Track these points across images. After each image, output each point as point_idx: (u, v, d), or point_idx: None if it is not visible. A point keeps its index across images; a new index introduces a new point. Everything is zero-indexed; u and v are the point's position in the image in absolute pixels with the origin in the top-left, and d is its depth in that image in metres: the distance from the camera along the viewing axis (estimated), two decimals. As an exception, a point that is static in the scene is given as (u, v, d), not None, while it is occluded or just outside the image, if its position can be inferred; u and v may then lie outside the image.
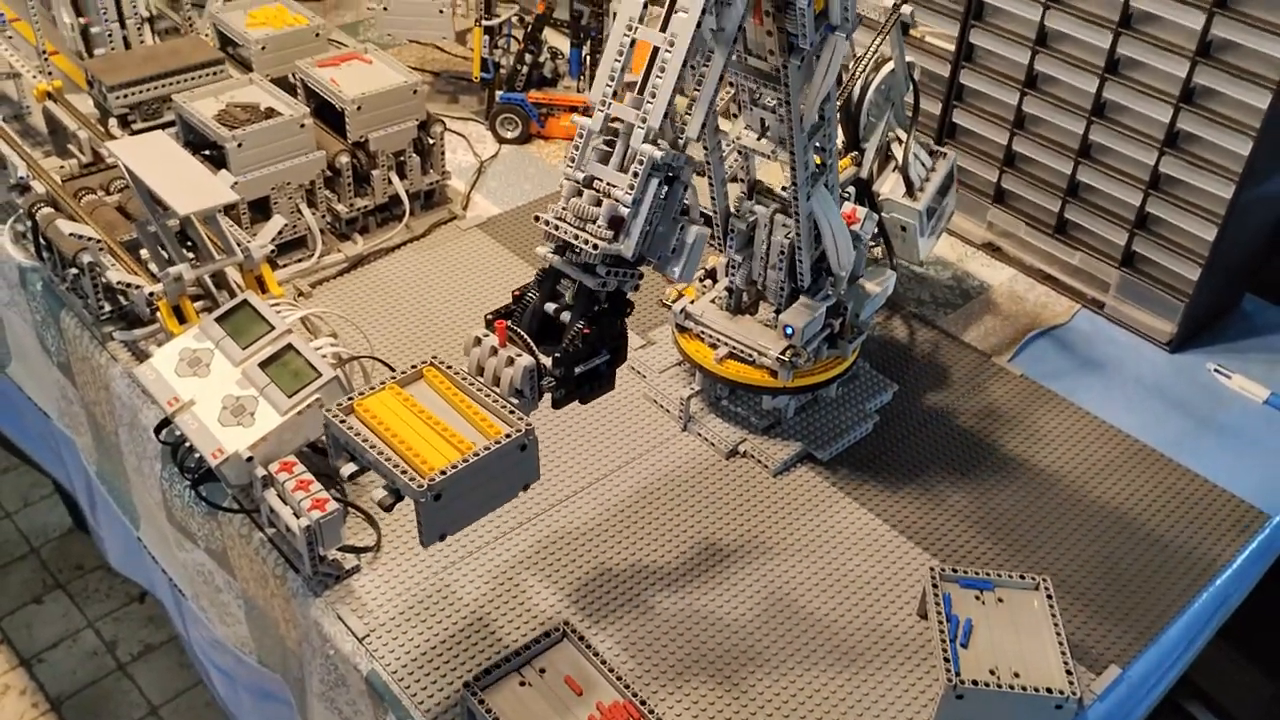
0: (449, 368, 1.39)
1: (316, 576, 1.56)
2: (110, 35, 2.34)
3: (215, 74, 2.20)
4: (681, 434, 1.85)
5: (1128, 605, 1.61)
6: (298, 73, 2.19)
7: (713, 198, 1.77)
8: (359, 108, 2.09)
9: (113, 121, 2.16)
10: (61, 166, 2.13)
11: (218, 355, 1.65)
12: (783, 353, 1.73)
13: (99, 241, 1.86)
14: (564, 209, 1.36)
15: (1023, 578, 1.55)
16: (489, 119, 2.54)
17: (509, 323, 1.37)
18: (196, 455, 1.60)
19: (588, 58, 2.51)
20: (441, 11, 2.49)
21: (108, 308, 1.89)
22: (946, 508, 1.75)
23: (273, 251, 1.84)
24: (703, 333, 1.82)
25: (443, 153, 2.25)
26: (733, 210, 1.77)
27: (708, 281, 1.88)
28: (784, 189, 1.71)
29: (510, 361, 1.35)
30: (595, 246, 1.32)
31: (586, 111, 2.42)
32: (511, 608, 1.57)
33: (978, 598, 1.53)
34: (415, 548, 1.63)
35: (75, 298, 1.94)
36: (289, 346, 1.63)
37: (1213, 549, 1.70)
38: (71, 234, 1.85)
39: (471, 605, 1.56)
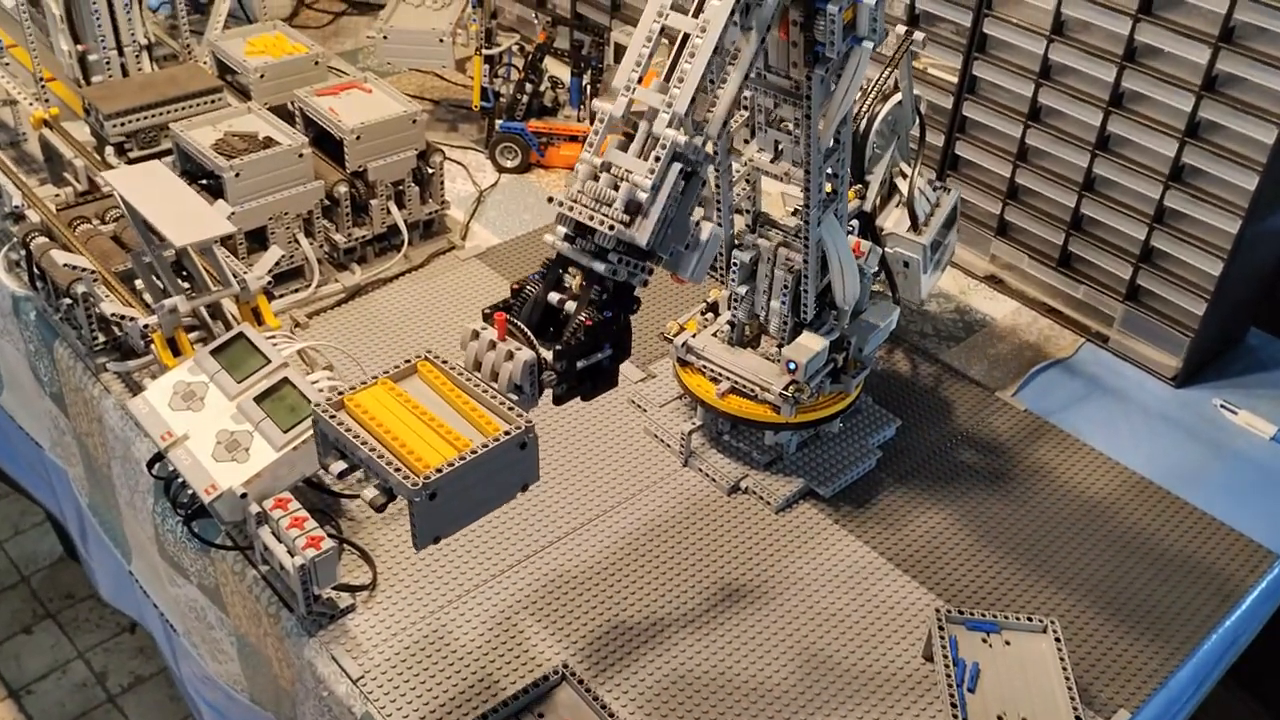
0: (444, 362, 1.33)
1: (311, 616, 1.53)
2: (108, 63, 2.33)
3: (213, 102, 2.19)
4: (683, 469, 1.82)
5: (1136, 647, 1.59)
6: (296, 101, 2.18)
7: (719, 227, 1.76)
8: (358, 137, 2.08)
9: (109, 149, 2.14)
10: (57, 195, 2.12)
11: (212, 389, 1.63)
12: (785, 388, 1.71)
13: (93, 272, 1.84)
14: (579, 191, 1.31)
15: (1030, 619, 1.52)
16: (489, 148, 2.53)
17: (508, 315, 1.31)
18: (189, 491, 1.57)
19: (588, 87, 2.50)
20: (441, 40, 2.48)
21: (101, 339, 1.87)
22: (951, 545, 1.72)
23: (269, 283, 1.82)
24: (704, 367, 1.80)
25: (442, 182, 2.23)
26: (735, 242, 1.75)
27: (709, 315, 1.87)
28: (794, 212, 1.70)
29: (510, 356, 1.30)
30: (611, 227, 1.28)
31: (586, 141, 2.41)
32: (510, 649, 1.54)
33: (984, 640, 1.50)
34: (412, 587, 1.60)
35: (69, 328, 1.91)
36: (285, 380, 1.61)
37: (1222, 589, 1.68)
38: (66, 264, 1.83)
39: (469, 646, 1.53)
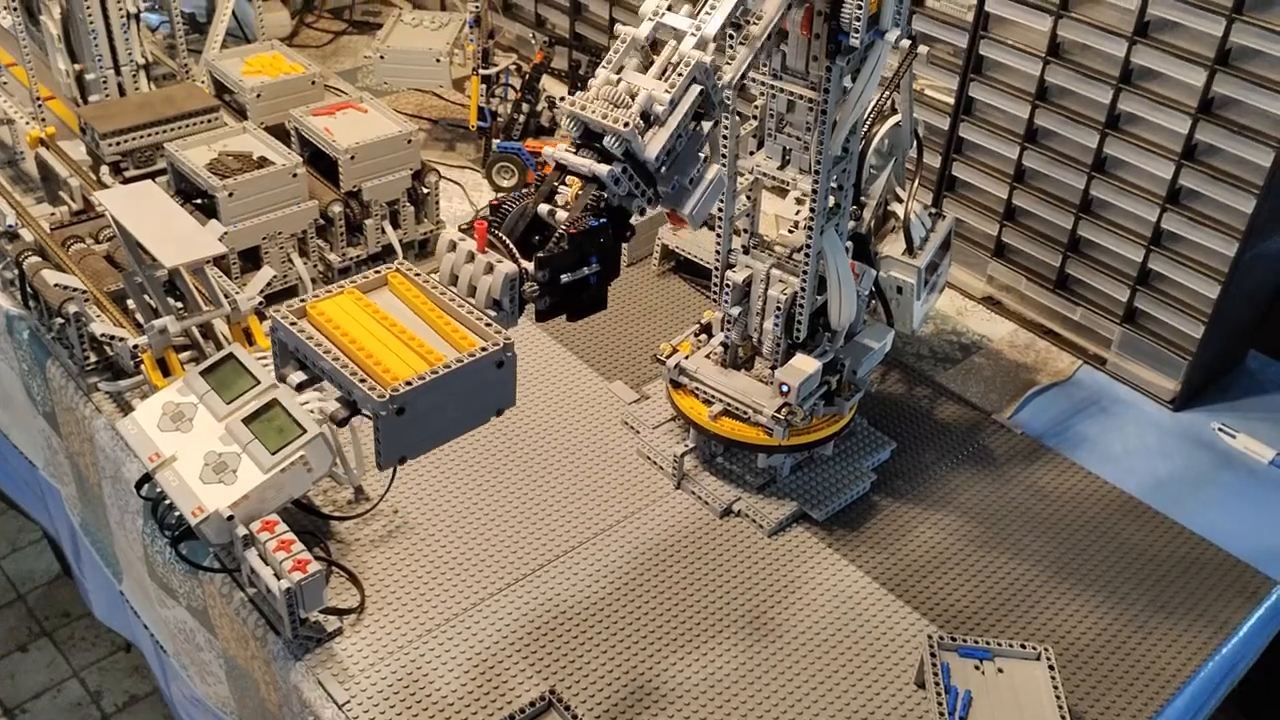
0: (418, 274, 1.24)
1: (297, 639, 1.52)
2: (105, 82, 2.33)
3: (209, 121, 2.19)
4: (675, 492, 1.81)
5: (1132, 675, 1.57)
6: (292, 121, 2.18)
7: (717, 249, 1.75)
8: (352, 157, 2.08)
9: (105, 168, 2.14)
10: (52, 214, 2.11)
11: (201, 410, 1.62)
12: (778, 410, 1.70)
13: (84, 292, 1.84)
14: (594, 96, 1.27)
15: (1023, 646, 1.51)
16: (485, 167, 2.52)
17: (489, 226, 1.24)
18: (176, 512, 1.56)
19: (585, 107, 2.49)
20: (438, 60, 2.49)
21: (93, 358, 1.86)
22: (945, 570, 1.70)
23: (261, 303, 1.82)
24: (697, 389, 1.79)
25: (437, 202, 2.23)
26: (729, 263, 1.75)
27: (703, 336, 1.86)
28: (792, 229, 1.70)
29: (489, 269, 1.22)
30: (625, 124, 1.24)
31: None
32: (498, 673, 1.52)
33: (977, 668, 1.49)
34: (401, 610, 1.59)
35: (61, 348, 1.91)
36: (274, 402, 1.60)
37: (1219, 615, 1.66)
38: (57, 284, 1.83)
39: (457, 671, 1.52)
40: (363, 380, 1.11)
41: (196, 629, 1.75)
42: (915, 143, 1.87)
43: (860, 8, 1.42)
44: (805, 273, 1.66)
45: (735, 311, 1.75)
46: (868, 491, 1.82)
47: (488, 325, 1.19)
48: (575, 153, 1.28)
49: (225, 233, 1.86)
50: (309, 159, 2.13)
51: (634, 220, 1.32)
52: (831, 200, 1.64)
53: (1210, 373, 2.07)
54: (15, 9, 2.30)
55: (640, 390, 1.99)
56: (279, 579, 1.46)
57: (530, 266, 1.23)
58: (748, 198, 1.75)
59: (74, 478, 2.05)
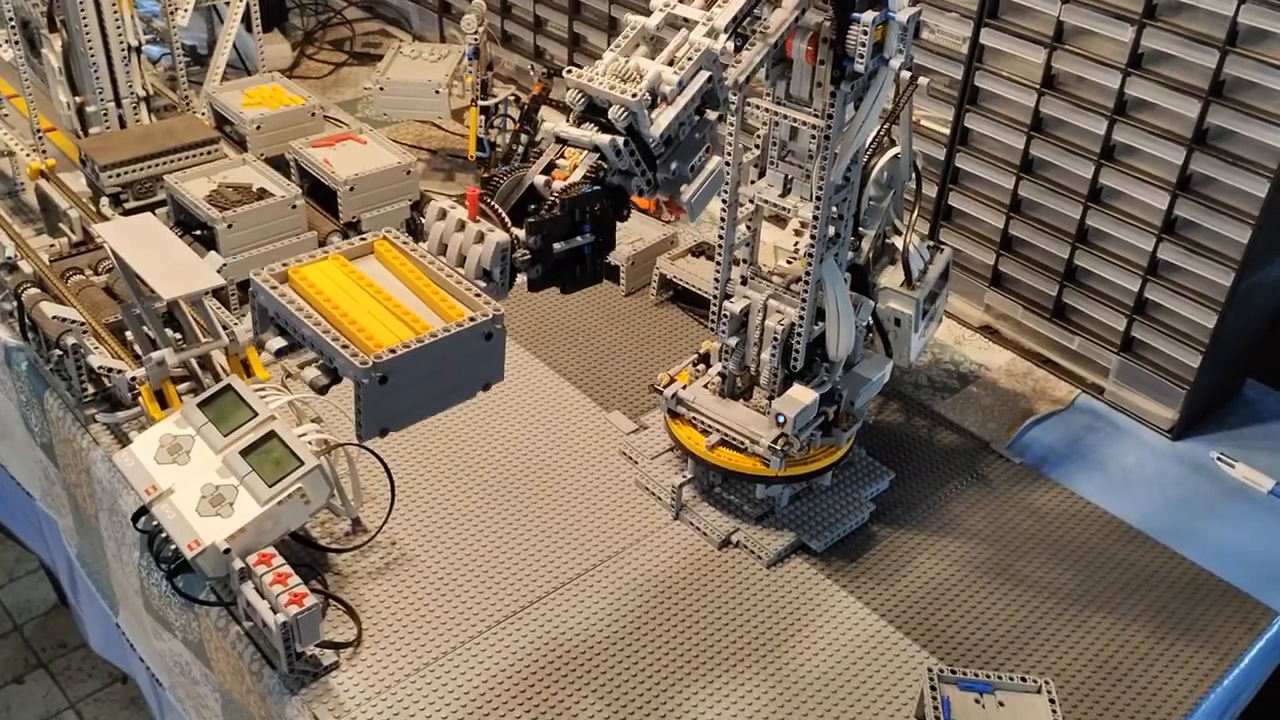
0: (405, 242, 1.21)
1: (293, 673, 1.51)
2: (106, 114, 2.35)
3: (209, 153, 2.20)
4: (673, 523, 1.81)
5: (1134, 707, 1.56)
6: (291, 153, 2.19)
7: (716, 278, 1.76)
8: (351, 188, 2.09)
9: (104, 200, 2.15)
10: (52, 245, 2.12)
11: (199, 442, 1.62)
12: (775, 441, 1.70)
13: (83, 324, 1.84)
14: (601, 72, 1.27)
15: (1024, 679, 1.50)
16: (484, 197, 2.53)
17: (481, 194, 1.21)
18: (173, 546, 1.56)
19: (583, 137, 2.50)
20: (438, 92, 2.50)
21: (91, 390, 1.86)
22: (944, 601, 1.70)
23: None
24: (694, 418, 1.79)
25: (436, 232, 2.23)
26: (727, 293, 1.75)
27: (701, 366, 1.86)
28: (791, 260, 1.70)
29: (480, 238, 1.18)
30: (634, 96, 1.22)
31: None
32: (495, 708, 1.51)
33: (977, 701, 1.48)
34: (398, 643, 1.58)
35: (59, 379, 1.91)
36: (271, 434, 1.60)
37: (1220, 646, 1.65)
38: (56, 316, 1.83)
39: (455, 705, 1.51)
40: (345, 347, 1.07)
41: (192, 662, 1.74)
42: (914, 175, 1.87)
43: (865, 33, 1.43)
44: (804, 302, 1.67)
45: (733, 342, 1.75)
46: (866, 522, 1.82)
47: (477, 296, 1.15)
48: (577, 126, 1.27)
49: (224, 264, 1.87)
50: (308, 190, 2.14)
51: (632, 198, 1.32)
52: (832, 230, 1.65)
53: (1209, 402, 2.07)
54: (17, 41, 2.31)
55: (638, 421, 1.99)
56: (275, 612, 1.46)
57: (522, 234, 1.21)
58: (747, 227, 1.76)
59: (71, 509, 2.05)
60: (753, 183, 1.72)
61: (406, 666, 1.55)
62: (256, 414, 1.62)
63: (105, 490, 1.83)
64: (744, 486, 1.82)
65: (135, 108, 2.38)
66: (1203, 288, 1.92)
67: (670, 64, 1.33)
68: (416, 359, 1.08)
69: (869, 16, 1.43)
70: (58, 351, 1.83)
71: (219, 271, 1.74)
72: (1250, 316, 2.00)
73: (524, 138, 2.51)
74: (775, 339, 1.71)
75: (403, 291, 1.16)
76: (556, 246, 1.23)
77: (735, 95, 1.40)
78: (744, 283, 1.75)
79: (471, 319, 1.12)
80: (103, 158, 2.11)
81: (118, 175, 2.12)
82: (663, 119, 1.27)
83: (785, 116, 1.59)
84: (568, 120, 1.29)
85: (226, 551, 1.50)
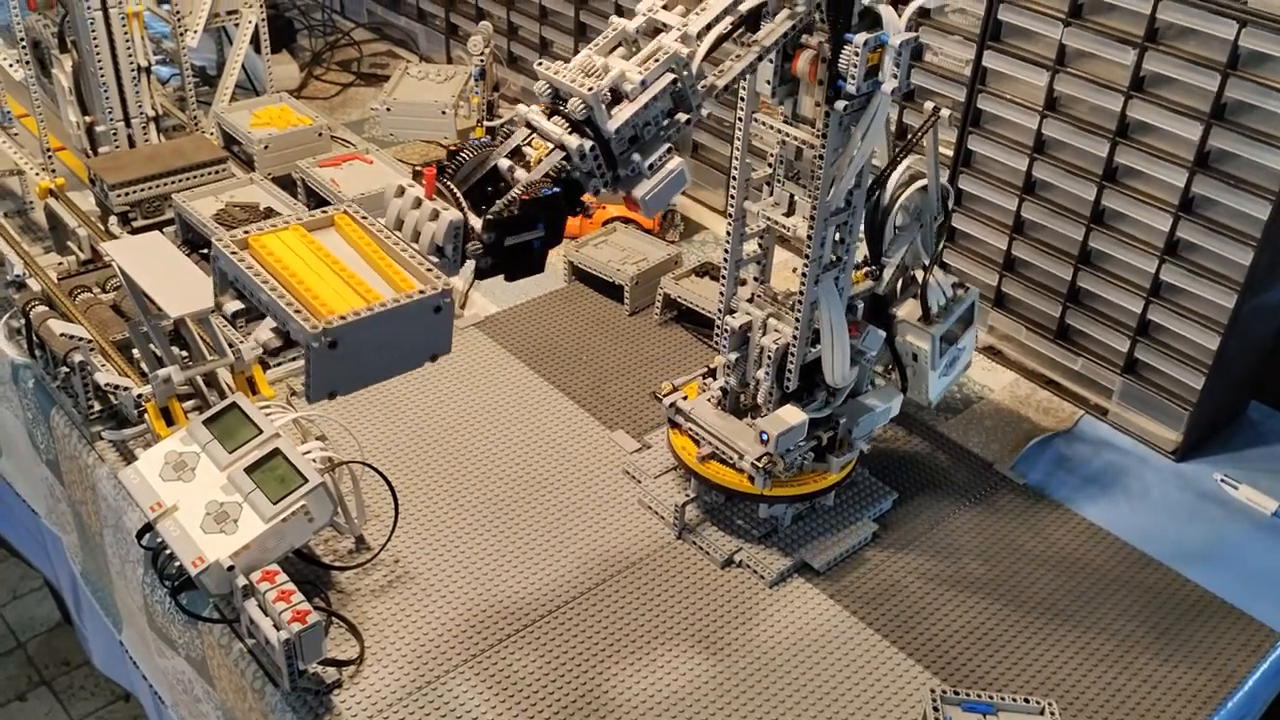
0: (364, 216, 1.26)
1: (296, 692, 1.51)
2: (115, 133, 2.37)
3: (217, 173, 2.22)
4: (676, 542, 1.81)
5: (1136, 729, 1.56)
6: (299, 172, 2.20)
7: (721, 292, 1.77)
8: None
9: (113, 219, 2.17)
10: (60, 263, 2.14)
11: (204, 459, 1.63)
12: (759, 459, 1.70)
13: (90, 341, 1.85)
14: (569, 68, 1.32)
15: (1027, 700, 1.49)
16: (489, 217, 2.54)
17: (438, 174, 1.26)
18: (177, 563, 1.56)
19: (589, 158, 2.51)
20: (444, 112, 2.52)
21: (97, 407, 1.87)
22: (947, 622, 1.70)
23: (264, 353, 1.83)
24: (690, 429, 1.80)
25: (441, 252, 2.24)
26: (731, 308, 1.76)
27: (709, 380, 1.86)
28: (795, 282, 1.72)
29: (434, 215, 1.23)
30: (593, 90, 1.27)
31: (587, 210, 2.44)
32: (496, 726, 1.51)
33: (980, 722, 1.47)
34: (400, 662, 1.59)
35: (65, 396, 1.92)
36: (276, 451, 1.61)
37: (1223, 669, 1.65)
38: (63, 333, 1.85)
39: (455, 723, 1.51)
40: (298, 311, 1.12)
41: (195, 680, 1.74)
42: (943, 209, 1.83)
43: (858, 54, 1.44)
44: (798, 322, 1.67)
45: (733, 357, 1.76)
46: (869, 542, 1.82)
47: (429, 270, 1.20)
48: (548, 118, 1.31)
49: (230, 283, 1.88)
50: (313, 210, 2.15)
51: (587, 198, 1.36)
52: (834, 254, 1.66)
53: (1212, 423, 2.07)
54: (28, 61, 2.34)
55: (642, 440, 1.99)
56: (278, 629, 1.46)
57: (475, 218, 1.25)
58: (759, 245, 1.76)
59: (76, 526, 2.06)
60: (757, 200, 1.73)
61: (409, 685, 1.55)
62: (261, 431, 1.63)
63: (110, 507, 1.83)
64: (746, 506, 1.82)
65: (144, 127, 2.41)
66: (1205, 309, 1.92)
67: (644, 62, 1.36)
68: (365, 326, 1.13)
69: (861, 39, 1.44)
70: (65, 369, 1.84)
71: (225, 290, 1.75)
72: (1253, 338, 2.01)
73: (529, 158, 2.52)
74: (769, 357, 1.71)
75: (358, 263, 1.21)
76: (508, 241, 1.28)
77: (711, 102, 1.43)
78: (751, 300, 1.76)
79: (421, 292, 1.17)
80: (111, 177, 2.13)
81: (126, 194, 2.14)
82: (621, 115, 1.31)
83: (790, 137, 1.60)
84: (539, 109, 1.33)
85: (230, 568, 1.50)
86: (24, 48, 2.32)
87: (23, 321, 1.95)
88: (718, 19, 1.39)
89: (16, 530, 2.47)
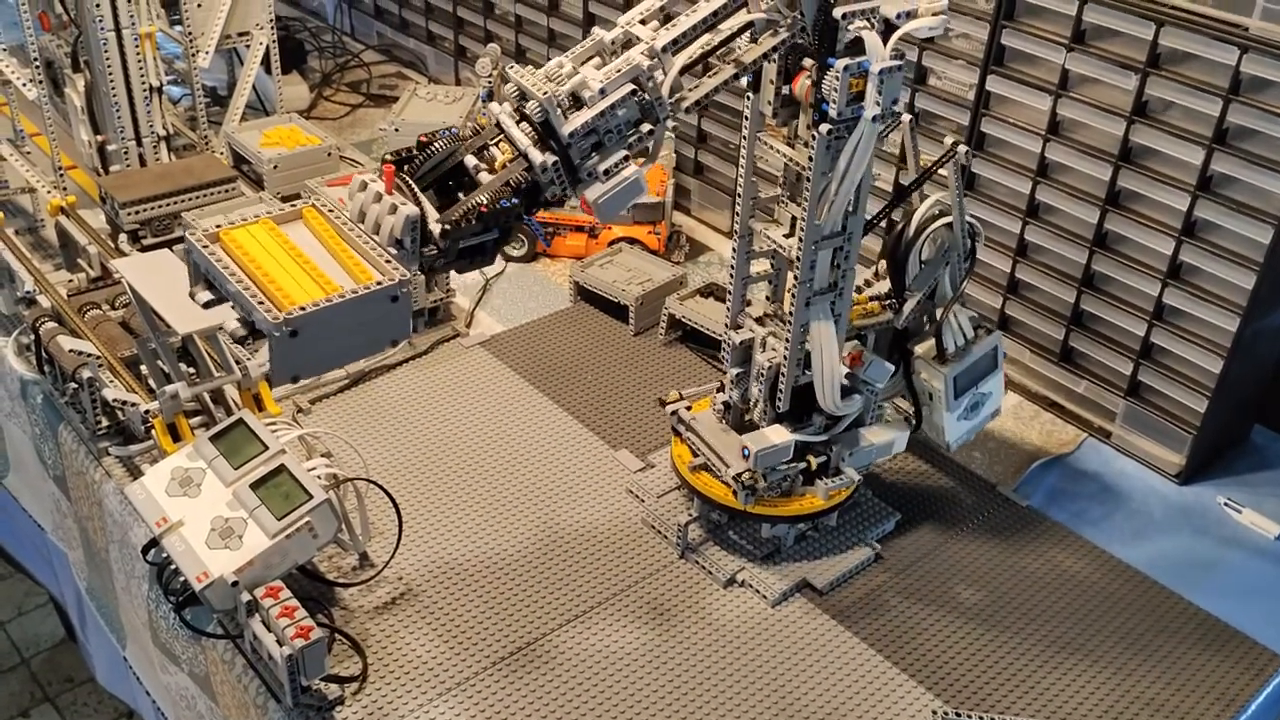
0: (330, 210, 1.34)
1: (298, 708, 1.52)
2: (126, 152, 2.39)
3: (227, 192, 2.24)
4: (679, 561, 1.81)
5: (1139, 753, 1.55)
6: (307, 192, 2.22)
7: (728, 308, 1.78)
8: (365, 227, 2.11)
9: (123, 237, 2.19)
10: (70, 280, 2.15)
11: (209, 475, 1.64)
12: (740, 474, 1.70)
13: (98, 357, 1.86)
14: (538, 73, 1.38)
15: (1028, 722, 1.49)
16: (496, 237, 2.56)
17: (396, 170, 1.32)
18: (181, 578, 1.57)
19: (595, 179, 2.53)
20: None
21: (105, 423, 1.89)
22: (949, 643, 1.70)
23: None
24: (689, 438, 1.81)
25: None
26: (736, 324, 1.77)
27: (718, 394, 1.87)
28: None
29: (393, 209, 1.30)
30: (548, 95, 1.34)
31: (593, 231, 2.47)
32: (498, 744, 1.52)
33: (981, 743, 1.47)
34: (403, 679, 1.59)
35: (73, 412, 1.93)
36: (281, 468, 1.62)
37: (1226, 692, 1.64)
38: (72, 350, 1.86)
39: (456, 740, 1.51)
40: (261, 303, 1.20)
41: (198, 696, 1.75)
42: (969, 248, 1.78)
43: (839, 78, 1.46)
44: (789, 342, 1.68)
45: (734, 373, 1.77)
46: (872, 562, 1.82)
47: (388, 262, 1.26)
48: (517, 123, 1.36)
49: (238, 300, 1.89)
50: (323, 229, 2.17)
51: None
52: (831, 279, 1.65)
53: (1216, 447, 2.07)
54: (41, 81, 2.36)
55: (646, 459, 2.00)
56: (281, 645, 1.46)
57: (433, 213, 1.32)
58: (772, 265, 1.77)
59: (82, 542, 2.07)
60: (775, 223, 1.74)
61: (411, 702, 1.56)
62: (267, 448, 1.64)
63: (116, 523, 1.84)
64: (749, 525, 1.82)
65: (155, 146, 2.43)
66: (1208, 333, 1.93)
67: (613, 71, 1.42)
68: (324, 316, 1.21)
69: (842, 64, 1.45)
70: (73, 384, 1.86)
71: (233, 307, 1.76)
72: (1256, 362, 2.01)
73: (536, 179, 2.54)
74: (761, 374, 1.72)
75: (321, 255, 1.29)
76: (463, 243, 1.35)
77: (688, 114, 1.47)
78: (760, 319, 1.76)
79: (379, 283, 1.24)
80: (122, 195, 2.15)
81: (137, 212, 2.16)
82: (576, 119, 1.35)
83: (785, 156, 1.61)
84: (510, 110, 1.38)
85: (234, 584, 1.51)
86: (37, 67, 2.34)
87: (32, 338, 1.97)
88: (688, 36, 1.42)
89: (23, 546, 2.48)
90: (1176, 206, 1.89)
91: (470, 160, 1.36)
